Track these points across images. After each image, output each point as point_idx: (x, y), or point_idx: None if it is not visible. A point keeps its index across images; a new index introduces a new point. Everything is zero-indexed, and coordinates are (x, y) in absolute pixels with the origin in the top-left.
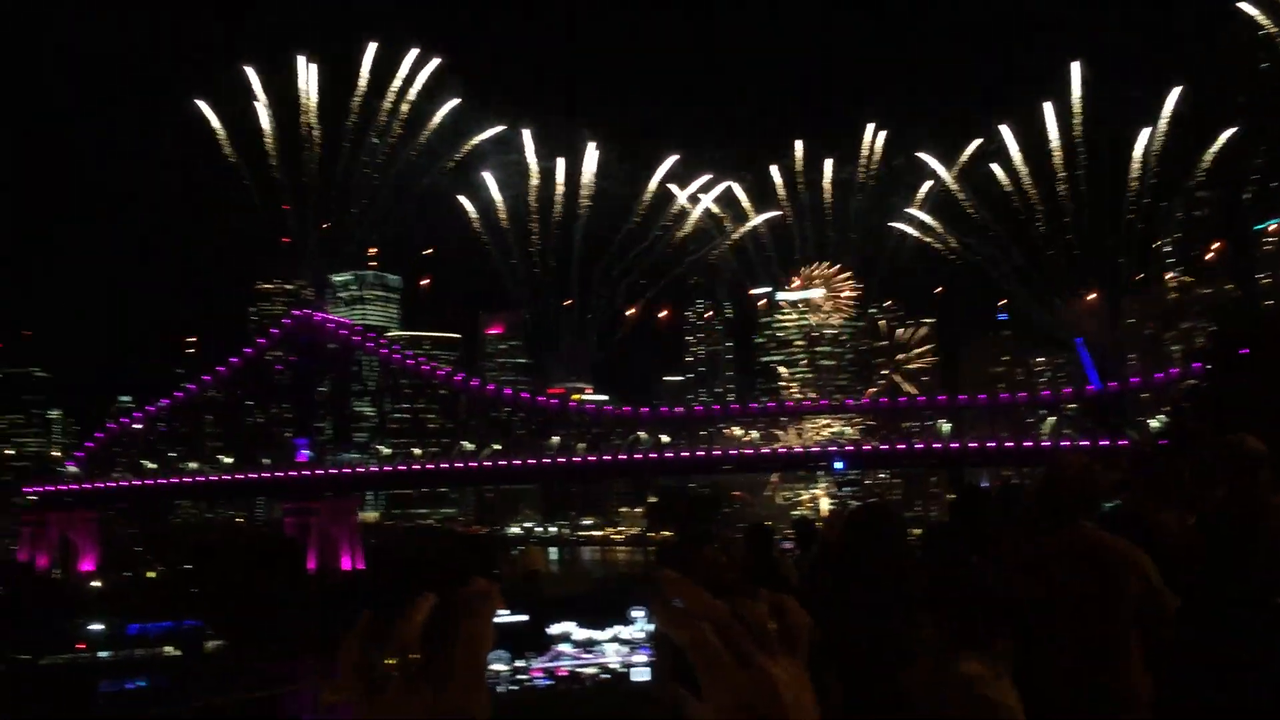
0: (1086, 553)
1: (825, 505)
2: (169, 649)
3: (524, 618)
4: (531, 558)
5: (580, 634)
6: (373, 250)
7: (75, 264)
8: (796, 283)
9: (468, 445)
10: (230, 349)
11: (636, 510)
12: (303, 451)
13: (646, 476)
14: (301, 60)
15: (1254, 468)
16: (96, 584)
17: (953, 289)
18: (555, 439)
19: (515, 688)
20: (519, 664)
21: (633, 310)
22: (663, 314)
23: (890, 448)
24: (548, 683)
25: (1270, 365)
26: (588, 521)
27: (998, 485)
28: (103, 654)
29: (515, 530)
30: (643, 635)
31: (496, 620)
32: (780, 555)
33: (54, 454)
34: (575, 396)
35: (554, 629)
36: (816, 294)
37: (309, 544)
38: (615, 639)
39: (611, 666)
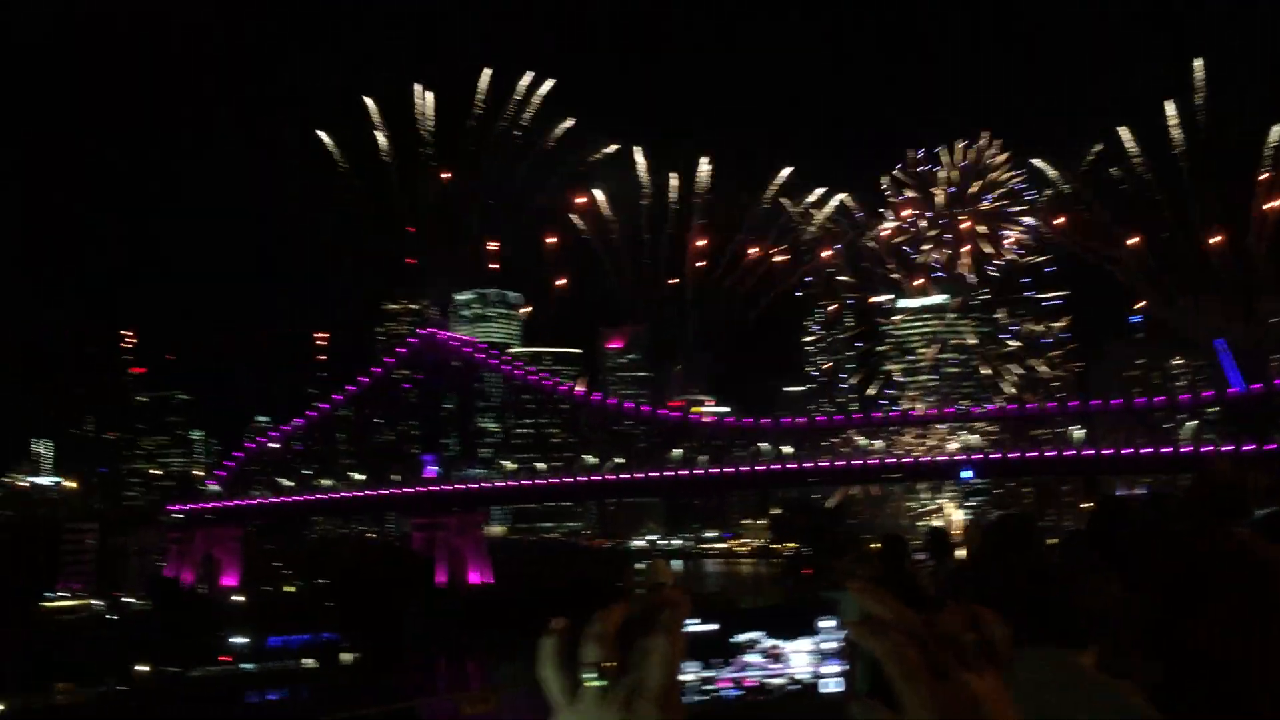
0: (1239, 560)
1: (957, 516)
2: (307, 661)
3: (714, 626)
4: (658, 571)
5: (767, 643)
6: (493, 266)
7: (210, 290)
8: (920, 282)
9: (590, 459)
10: (359, 369)
11: (760, 522)
12: (430, 468)
13: (769, 488)
14: (418, 88)
15: None
16: (239, 598)
17: (1084, 292)
18: (677, 452)
19: (704, 698)
20: (706, 674)
21: (748, 318)
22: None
23: (1020, 456)
24: (736, 693)
25: None
26: (710, 534)
27: (1145, 494)
28: (246, 666)
29: (639, 543)
30: (832, 646)
31: (686, 629)
32: (914, 567)
33: (196, 473)
34: (696, 409)
35: (740, 638)
36: (939, 299)
37: (437, 558)
38: (805, 649)
39: (799, 677)
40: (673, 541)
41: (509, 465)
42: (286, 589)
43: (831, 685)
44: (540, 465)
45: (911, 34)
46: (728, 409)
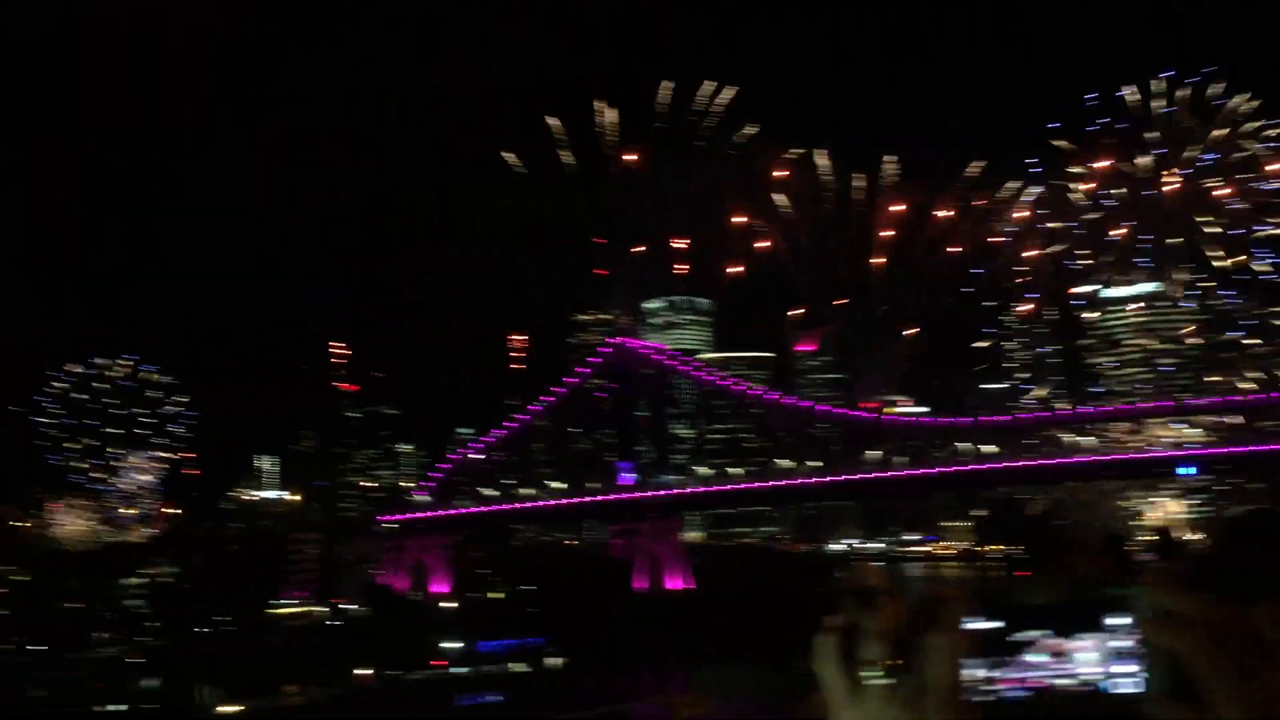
0: None
1: (1178, 515)
2: (516, 665)
3: (998, 624)
4: (866, 574)
5: (1051, 643)
6: (682, 269)
7: (407, 308)
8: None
9: (784, 463)
10: (554, 379)
11: (962, 524)
12: (626, 475)
13: (971, 489)
14: (598, 104)
15: None
16: (449, 604)
17: None
18: (872, 453)
19: (988, 699)
20: (990, 674)
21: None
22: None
23: (1249, 449)
24: (1022, 694)
25: None
26: (912, 537)
27: None
28: (459, 670)
29: (837, 547)
30: (1124, 645)
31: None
32: (1138, 566)
33: (405, 484)
34: (889, 410)
35: (1021, 637)
36: (1150, 287)
37: (636, 563)
38: (1092, 648)
39: (1085, 678)
40: (871, 545)
41: (703, 470)
42: (492, 595)
43: (1126, 685)
44: (734, 470)
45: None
46: (925, 409)
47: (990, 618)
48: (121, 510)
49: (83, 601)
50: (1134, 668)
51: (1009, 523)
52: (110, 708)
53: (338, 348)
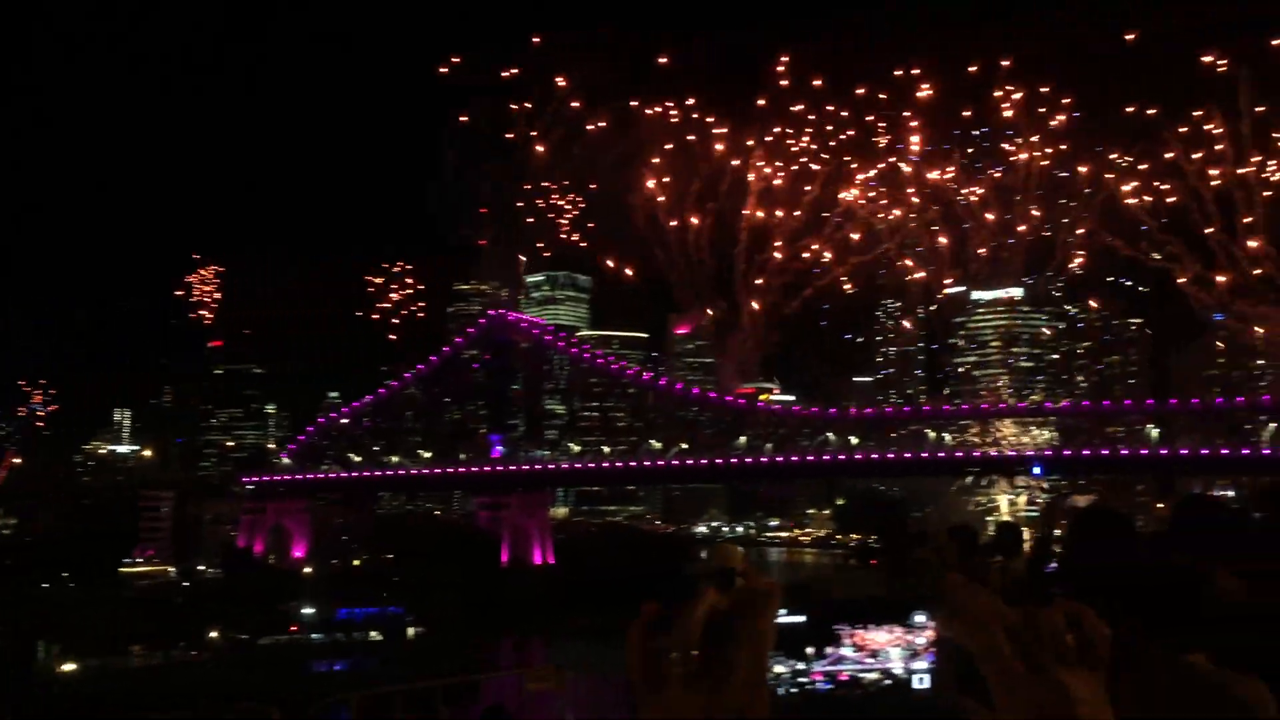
0: None
1: (1024, 513)
2: (373, 634)
3: (802, 619)
4: (726, 554)
5: (861, 637)
6: (573, 237)
7: (279, 265)
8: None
9: (655, 444)
10: (429, 348)
11: (824, 512)
12: (496, 448)
13: (835, 478)
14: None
15: None
16: (307, 570)
17: (1163, 290)
18: (742, 439)
19: (795, 690)
20: (799, 666)
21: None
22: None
23: (1094, 453)
24: (828, 686)
25: None
26: (774, 522)
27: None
28: (314, 636)
29: (702, 530)
30: (925, 641)
31: (777, 620)
32: (982, 561)
33: (269, 446)
34: (764, 397)
35: (834, 631)
36: (1016, 292)
37: (502, 537)
38: (898, 643)
39: (895, 672)
40: (736, 529)
41: (574, 447)
42: (354, 563)
43: (925, 680)
44: (605, 448)
45: None
46: (794, 398)
47: (807, 609)
48: None
49: None
50: (929, 663)
51: (867, 513)
52: None
53: (204, 291)
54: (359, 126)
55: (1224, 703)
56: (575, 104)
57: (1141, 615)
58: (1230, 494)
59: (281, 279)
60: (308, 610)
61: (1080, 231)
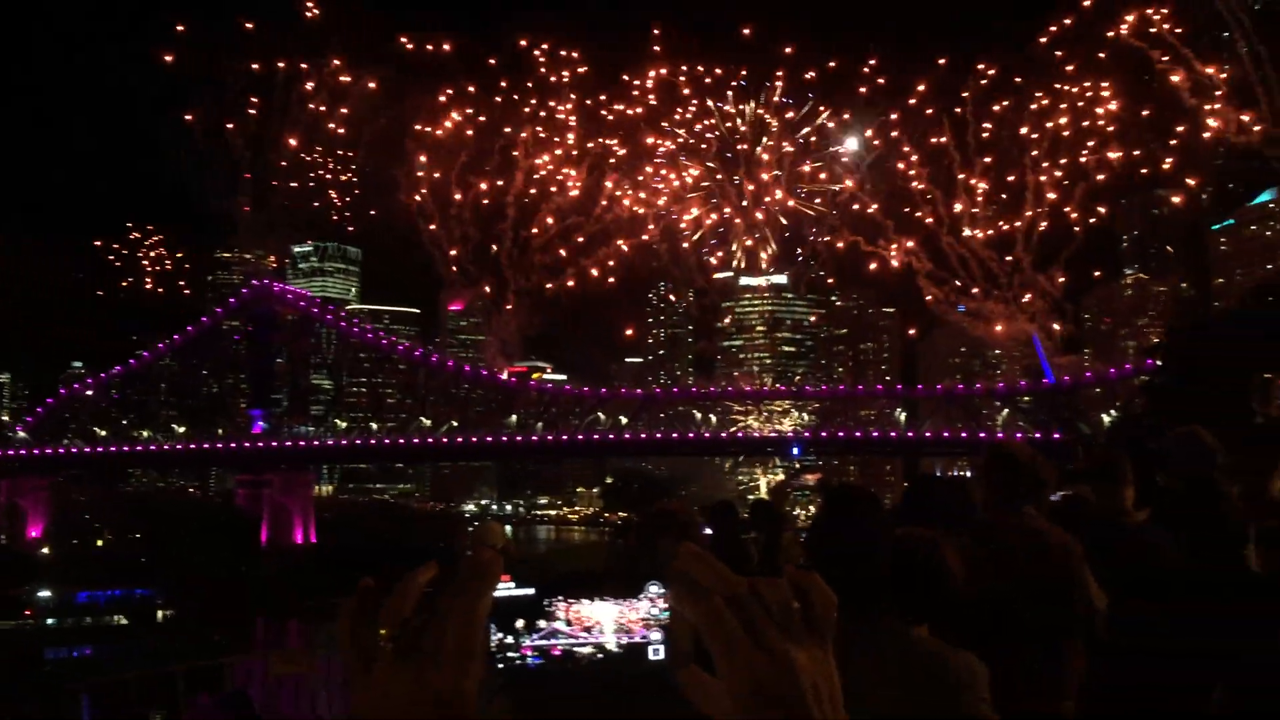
0: (1038, 540)
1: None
2: (119, 618)
3: (529, 591)
4: (490, 532)
5: (578, 610)
6: (338, 205)
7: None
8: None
9: (425, 421)
10: (187, 318)
11: (593, 490)
12: (258, 423)
13: (604, 457)
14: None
15: (1211, 458)
16: (45, 551)
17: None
18: (513, 418)
19: (502, 665)
20: (509, 640)
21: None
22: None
23: (848, 435)
24: (538, 661)
25: (1219, 363)
26: (543, 500)
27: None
28: (50, 621)
29: (471, 508)
30: (658, 611)
31: (501, 594)
32: (743, 536)
33: (3, 419)
34: (536, 376)
35: (551, 604)
36: (781, 279)
37: (262, 516)
38: (628, 615)
39: (609, 647)
40: (505, 507)
41: (341, 424)
42: (99, 543)
43: (659, 652)
44: (374, 425)
45: None
46: (565, 377)
47: (531, 582)
48: None
49: None
50: (662, 635)
51: (633, 491)
52: None
53: None
54: (94, 89)
55: (943, 674)
56: (337, 61)
57: (874, 588)
58: (969, 474)
59: (12, 247)
60: (44, 594)
61: (824, 226)
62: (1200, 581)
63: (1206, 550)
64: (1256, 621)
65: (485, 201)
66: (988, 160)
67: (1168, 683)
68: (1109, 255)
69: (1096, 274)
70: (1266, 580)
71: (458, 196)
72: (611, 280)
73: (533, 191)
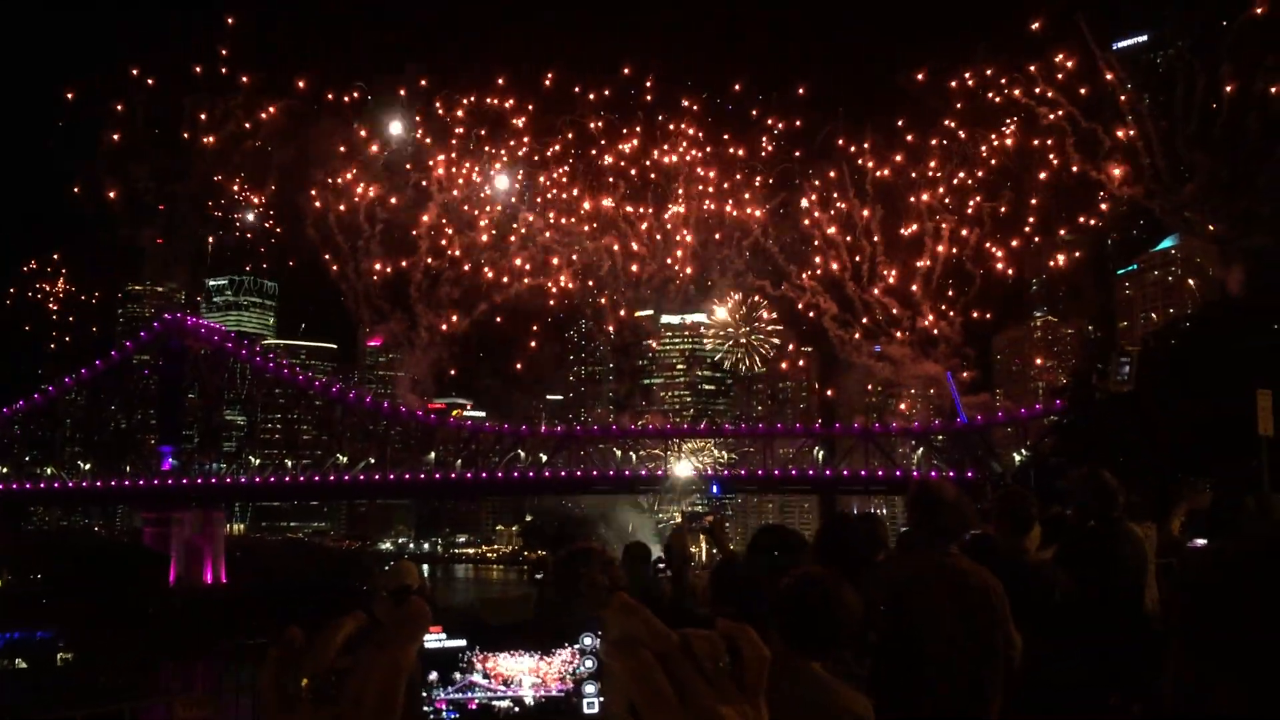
0: (959, 578)
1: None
2: (18, 661)
3: (461, 642)
4: (405, 572)
5: (494, 663)
6: (248, 238)
7: None
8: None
9: (342, 458)
10: (96, 352)
11: (513, 528)
12: (167, 460)
13: (524, 495)
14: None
15: (1112, 497)
16: None
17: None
18: (432, 455)
19: (426, 718)
20: (430, 694)
21: (449, 325)
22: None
23: (765, 473)
24: (454, 717)
25: (1122, 405)
26: (462, 538)
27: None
28: None
29: (388, 546)
30: (576, 666)
31: (431, 645)
32: (656, 574)
33: None
34: (455, 413)
35: (468, 657)
36: (697, 318)
37: (170, 555)
38: (548, 667)
39: (527, 701)
40: (423, 545)
41: (254, 461)
42: None
43: (593, 706)
44: (289, 462)
45: None
46: (484, 414)
47: (456, 635)
48: None
49: None
50: (595, 689)
51: (552, 528)
52: None
53: None
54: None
55: (836, 709)
56: (245, 79)
57: (786, 626)
58: (884, 511)
59: None
60: None
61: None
62: (1088, 616)
63: (1102, 588)
64: (1139, 655)
65: (395, 235)
66: (880, 210)
67: (1054, 712)
68: (1015, 300)
69: (988, 316)
70: (1153, 616)
71: (365, 227)
72: (526, 316)
73: (446, 226)
